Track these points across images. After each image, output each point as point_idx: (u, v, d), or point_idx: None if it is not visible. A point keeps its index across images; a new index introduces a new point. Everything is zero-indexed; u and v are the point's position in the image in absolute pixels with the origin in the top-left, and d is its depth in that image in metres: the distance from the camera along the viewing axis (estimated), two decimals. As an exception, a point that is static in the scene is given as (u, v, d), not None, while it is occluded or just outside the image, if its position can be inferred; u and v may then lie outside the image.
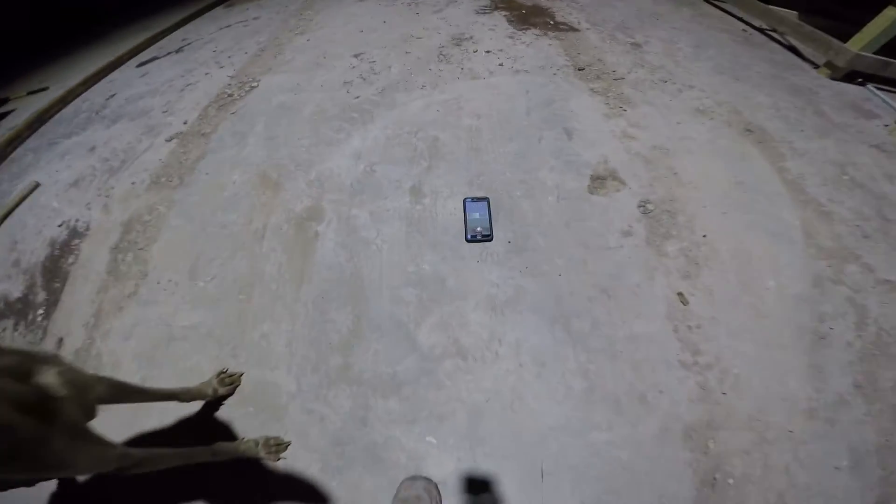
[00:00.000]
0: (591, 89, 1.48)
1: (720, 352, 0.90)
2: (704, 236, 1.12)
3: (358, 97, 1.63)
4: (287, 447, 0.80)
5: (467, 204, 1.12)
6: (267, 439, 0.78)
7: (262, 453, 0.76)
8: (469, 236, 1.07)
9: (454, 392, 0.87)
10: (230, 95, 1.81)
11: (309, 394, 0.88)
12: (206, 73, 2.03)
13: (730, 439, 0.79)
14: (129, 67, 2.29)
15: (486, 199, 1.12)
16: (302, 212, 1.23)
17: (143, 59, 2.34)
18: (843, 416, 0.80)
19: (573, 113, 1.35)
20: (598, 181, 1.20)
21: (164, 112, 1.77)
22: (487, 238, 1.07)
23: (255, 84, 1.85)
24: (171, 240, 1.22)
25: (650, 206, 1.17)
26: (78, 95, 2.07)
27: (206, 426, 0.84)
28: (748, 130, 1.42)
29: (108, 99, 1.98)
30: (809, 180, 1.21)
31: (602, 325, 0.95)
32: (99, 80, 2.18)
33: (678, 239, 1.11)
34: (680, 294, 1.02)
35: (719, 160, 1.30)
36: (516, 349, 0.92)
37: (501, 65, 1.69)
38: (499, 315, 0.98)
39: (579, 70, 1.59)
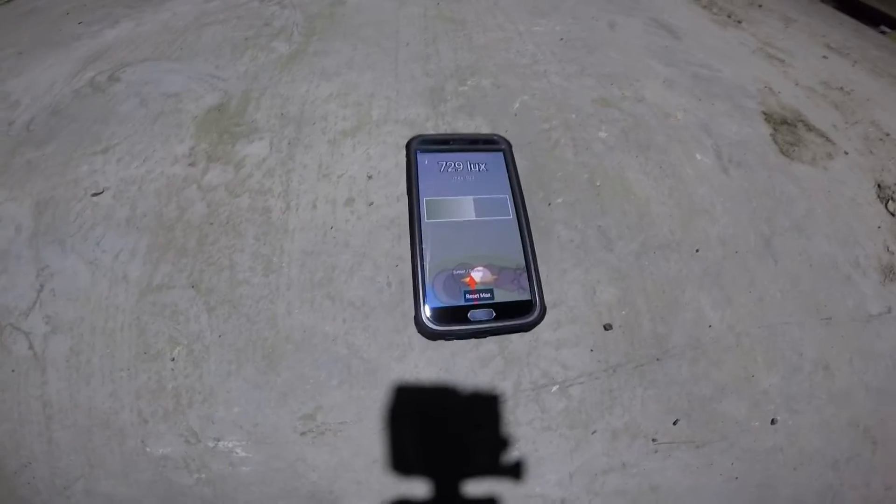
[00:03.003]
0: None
1: None
2: None
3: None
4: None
5: (420, 159, 0.26)
6: None
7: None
8: (430, 317, 0.21)
9: None
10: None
11: None
12: None
13: None
14: None
15: (496, 142, 0.28)
16: None
17: None
18: None
19: (655, 3, 0.62)
20: (786, 129, 0.44)
21: None
22: (524, 319, 0.21)
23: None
24: None
25: (900, 200, 0.44)
26: None
27: None
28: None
29: None
30: None
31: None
32: None
33: None
34: None
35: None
36: None
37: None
38: None
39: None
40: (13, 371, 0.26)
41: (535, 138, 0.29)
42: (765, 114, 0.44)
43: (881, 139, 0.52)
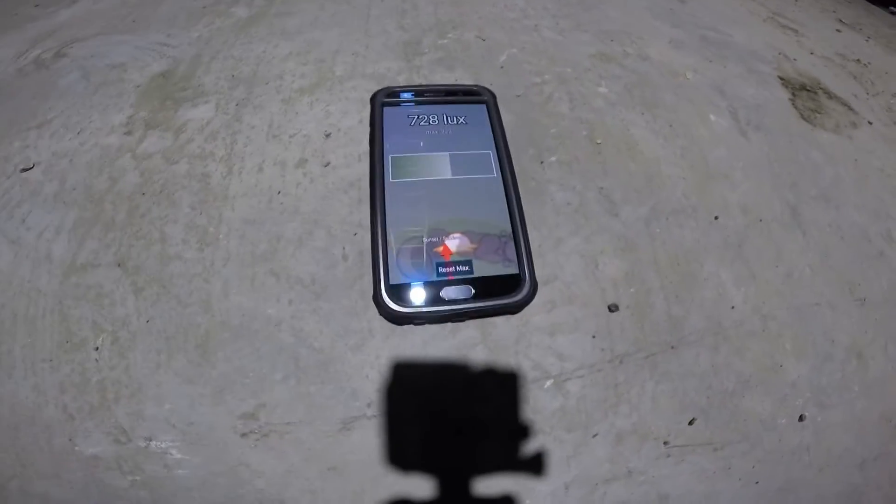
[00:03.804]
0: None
1: None
2: None
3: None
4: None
5: (387, 113, 0.22)
6: None
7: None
8: (394, 296, 0.17)
9: None
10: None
11: None
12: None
13: None
14: None
15: (478, 93, 0.24)
16: None
17: None
18: None
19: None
20: (806, 96, 0.40)
21: None
22: (510, 297, 0.18)
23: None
24: None
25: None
26: None
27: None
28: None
29: None
30: None
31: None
32: None
33: None
34: None
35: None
36: None
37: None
38: None
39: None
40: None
41: (525, 91, 0.25)
42: (782, 79, 0.40)
43: (906, 111, 0.48)
